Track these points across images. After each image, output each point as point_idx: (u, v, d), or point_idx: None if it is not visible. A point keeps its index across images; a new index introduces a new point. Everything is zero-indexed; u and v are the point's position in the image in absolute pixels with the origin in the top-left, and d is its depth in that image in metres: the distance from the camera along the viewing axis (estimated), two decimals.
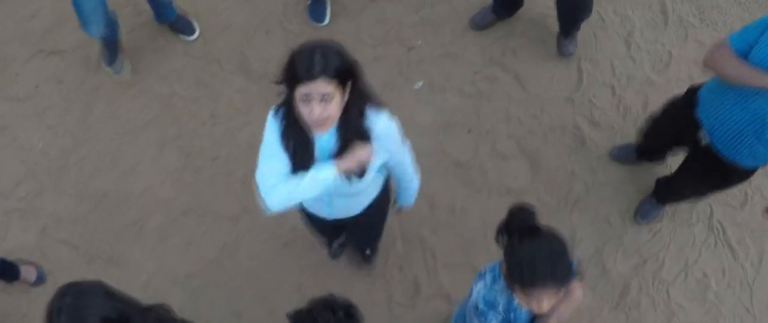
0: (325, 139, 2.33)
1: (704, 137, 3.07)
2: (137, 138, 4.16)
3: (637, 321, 3.80)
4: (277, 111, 2.33)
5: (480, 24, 4.36)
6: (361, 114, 2.32)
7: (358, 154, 2.29)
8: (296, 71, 2.12)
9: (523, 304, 2.22)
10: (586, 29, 4.24)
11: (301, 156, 2.35)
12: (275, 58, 4.17)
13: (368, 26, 4.44)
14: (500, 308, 2.37)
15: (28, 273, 3.80)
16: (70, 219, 3.99)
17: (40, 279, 3.84)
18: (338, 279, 3.78)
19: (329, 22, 4.44)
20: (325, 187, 2.33)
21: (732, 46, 2.72)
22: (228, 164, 4.08)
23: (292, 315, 2.16)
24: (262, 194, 2.37)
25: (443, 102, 4.24)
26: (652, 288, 3.86)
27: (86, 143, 4.16)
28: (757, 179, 3.81)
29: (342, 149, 2.32)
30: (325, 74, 2.10)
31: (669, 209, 4.00)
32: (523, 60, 4.33)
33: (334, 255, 3.79)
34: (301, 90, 2.13)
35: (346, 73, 2.17)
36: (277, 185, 2.33)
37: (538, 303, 2.13)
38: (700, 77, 3.90)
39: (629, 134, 4.05)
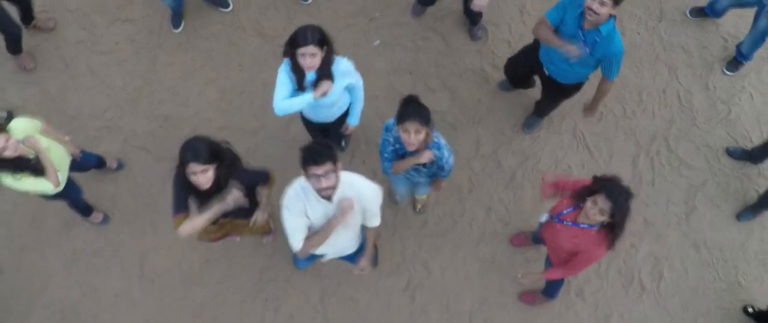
0: (311, 75, 4.21)
1: (546, 71, 5.03)
2: (188, 79, 6.08)
3: (519, 197, 5.75)
4: (286, 62, 4.19)
5: (415, 13, 6.25)
6: (330, 63, 4.19)
7: (322, 86, 4.13)
8: (297, 40, 4.00)
9: (403, 139, 3.91)
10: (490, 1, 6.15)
11: (299, 84, 4.24)
12: (281, 26, 6.16)
13: (341, 4, 6.36)
14: (392, 140, 4.19)
15: (111, 162, 5.70)
16: (143, 133, 5.88)
17: (120, 167, 5.75)
18: None
19: (312, 2, 6.33)
20: (308, 103, 4.18)
21: (548, 18, 4.64)
22: (250, 96, 5.99)
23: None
24: (275, 106, 4.20)
25: (392, 55, 6.18)
26: (531, 175, 5.81)
27: (153, 83, 6.07)
28: (610, 104, 5.77)
29: (318, 81, 4.20)
30: (313, 42, 3.98)
31: (545, 122, 5.92)
32: (447, 26, 6.28)
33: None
34: (299, 51, 4.01)
35: (324, 41, 4.05)
36: (283, 100, 4.20)
37: (407, 134, 3.87)
38: None
39: None
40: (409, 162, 4.17)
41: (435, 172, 4.44)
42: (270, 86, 5.30)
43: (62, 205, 5.33)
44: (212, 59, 6.15)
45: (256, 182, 4.23)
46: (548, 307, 5.42)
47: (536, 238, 5.25)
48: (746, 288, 5.58)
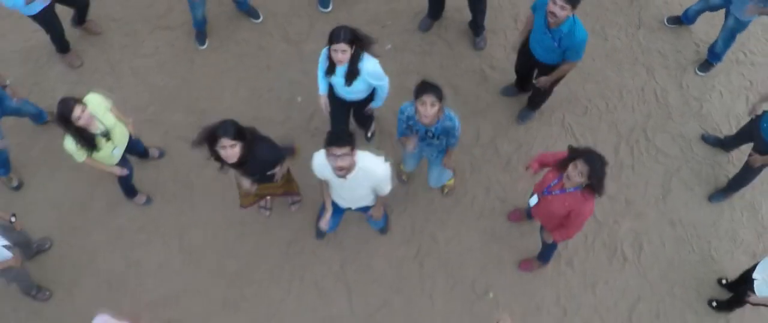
0: (342, 67, 5.05)
1: (534, 56, 5.80)
2: (222, 79, 6.86)
3: (515, 179, 6.46)
4: (325, 49, 5.02)
5: (423, 27, 7.08)
6: (358, 59, 5.00)
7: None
8: (332, 38, 4.81)
9: (420, 112, 4.66)
10: (489, 13, 6.97)
11: (329, 70, 5.10)
12: (304, 31, 6.96)
13: (357, 12, 7.20)
14: (405, 118, 4.99)
15: (153, 152, 6.44)
16: (182, 125, 6.63)
17: (161, 155, 6.49)
18: None
19: (332, 10, 7.18)
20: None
21: (531, 10, 5.50)
22: (278, 93, 6.76)
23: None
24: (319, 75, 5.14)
25: (402, 58, 6.99)
26: (525, 160, 6.53)
27: (190, 82, 6.86)
28: (594, 100, 6.58)
29: (348, 74, 5.05)
30: (344, 41, 4.80)
31: (537, 115, 6.68)
32: (450, 33, 7.11)
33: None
34: (333, 47, 4.83)
35: (353, 40, 4.86)
36: (319, 79, 5.12)
37: (424, 106, 4.62)
38: None
39: (512, 74, 6.75)
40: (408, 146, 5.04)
41: (445, 146, 5.22)
42: (295, 84, 6.15)
43: (109, 188, 6.12)
44: (243, 62, 6.95)
45: (284, 156, 5.02)
46: (542, 274, 6.11)
47: (530, 214, 5.97)
48: (718, 260, 6.26)
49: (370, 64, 5.04)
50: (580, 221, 4.81)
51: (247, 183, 5.01)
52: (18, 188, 6.32)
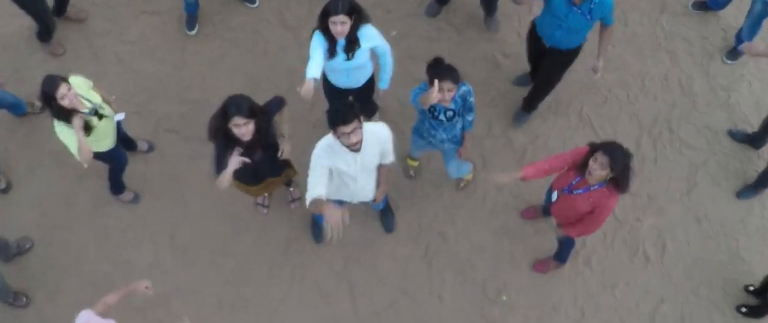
0: (341, 42, 4.67)
1: (546, 42, 5.41)
2: (216, 67, 6.48)
3: None
4: (317, 34, 4.65)
5: (430, 13, 6.71)
6: (357, 29, 4.65)
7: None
8: (329, 10, 4.46)
9: (435, 96, 4.40)
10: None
11: (331, 50, 4.70)
12: (303, 17, 6.59)
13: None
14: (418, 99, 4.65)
15: (141, 145, 6.05)
16: (173, 116, 6.24)
17: (151, 148, 6.10)
18: None
19: None
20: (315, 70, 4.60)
21: None
22: (275, 82, 6.35)
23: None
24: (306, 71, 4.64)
25: (408, 44, 6.59)
26: (541, 154, 6.14)
27: (182, 69, 6.46)
28: (614, 89, 6.19)
29: (348, 45, 4.68)
30: (343, 12, 4.45)
31: (552, 106, 6.29)
32: (459, 18, 6.72)
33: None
34: (331, 19, 4.46)
35: (352, 11, 4.51)
36: (313, 63, 4.64)
37: (441, 90, 4.40)
38: None
39: (525, 62, 6.31)
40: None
41: (460, 133, 5.00)
42: (293, 73, 5.74)
43: (94, 184, 5.84)
44: (238, 48, 6.56)
45: (276, 110, 4.68)
46: (559, 274, 5.73)
47: (546, 211, 5.57)
48: (747, 260, 5.88)
49: (366, 29, 4.77)
50: (604, 216, 4.51)
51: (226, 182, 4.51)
52: (6, 190, 5.97)
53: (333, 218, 4.00)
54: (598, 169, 4.17)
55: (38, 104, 5.91)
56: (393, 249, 5.83)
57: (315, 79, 4.60)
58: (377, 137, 4.36)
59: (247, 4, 6.71)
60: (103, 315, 4.27)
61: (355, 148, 4.14)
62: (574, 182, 4.51)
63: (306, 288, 5.71)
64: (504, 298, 5.70)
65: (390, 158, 4.58)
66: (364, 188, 4.70)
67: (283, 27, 6.66)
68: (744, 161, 6.22)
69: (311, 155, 4.27)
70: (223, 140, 4.37)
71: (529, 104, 6.12)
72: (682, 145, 6.27)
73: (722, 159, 6.22)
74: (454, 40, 6.61)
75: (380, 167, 4.68)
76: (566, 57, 5.49)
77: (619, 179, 4.25)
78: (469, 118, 4.89)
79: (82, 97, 4.73)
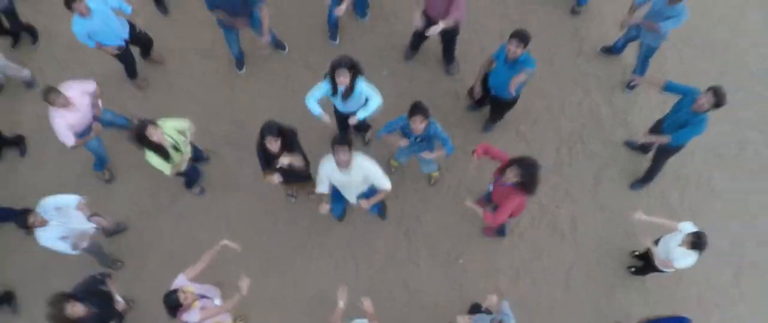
0: (342, 88, 6.87)
1: (492, 91, 7.79)
2: (257, 100, 8.80)
3: (480, 175, 8.49)
4: (326, 79, 6.90)
5: (407, 57, 8.99)
6: (355, 80, 6.84)
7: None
8: (336, 65, 6.66)
9: (413, 128, 6.58)
10: (459, 45, 8.94)
11: (334, 91, 6.95)
12: (322, 60, 8.85)
13: (361, 45, 9.12)
14: (400, 126, 6.82)
15: (205, 154, 8.41)
16: (225, 133, 8.56)
17: (207, 158, 8.45)
18: None
19: (338, 44, 9.11)
20: (316, 112, 6.93)
21: (494, 57, 7.48)
22: (302, 111, 8.66)
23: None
24: (306, 99, 6.92)
25: (395, 81, 8.89)
26: (488, 162, 8.55)
27: (232, 99, 8.81)
28: (542, 113, 8.54)
29: (346, 92, 6.89)
30: (345, 67, 6.66)
31: (499, 126, 8.66)
32: (431, 62, 9.02)
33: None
34: (337, 71, 6.67)
35: (353, 68, 6.71)
36: (311, 99, 6.89)
37: (414, 124, 6.50)
38: None
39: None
40: (395, 138, 6.84)
41: (429, 147, 7.05)
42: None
43: (171, 182, 8.12)
44: (273, 85, 8.91)
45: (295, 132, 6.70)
46: (500, 244, 8.09)
47: (488, 199, 7.93)
48: (636, 235, 8.21)
49: (361, 84, 6.75)
50: (509, 205, 6.46)
51: (276, 178, 6.73)
52: (110, 181, 8.32)
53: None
54: (513, 176, 6.18)
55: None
56: (384, 229, 8.19)
57: (322, 114, 6.72)
58: (365, 171, 6.20)
59: (279, 50, 9.05)
60: (193, 280, 6.26)
61: (341, 164, 5.93)
62: (498, 178, 6.59)
63: (321, 257, 8.05)
64: (461, 262, 8.05)
65: (383, 186, 6.39)
66: (351, 197, 6.84)
67: (307, 68, 8.96)
68: (637, 164, 8.53)
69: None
70: (262, 151, 6.52)
71: (494, 118, 8.35)
72: (591, 153, 8.60)
73: (620, 164, 8.55)
74: (429, 79, 8.93)
75: (378, 190, 6.50)
76: (506, 104, 7.76)
77: (526, 185, 6.23)
78: (447, 147, 6.75)
79: (167, 135, 6.68)
